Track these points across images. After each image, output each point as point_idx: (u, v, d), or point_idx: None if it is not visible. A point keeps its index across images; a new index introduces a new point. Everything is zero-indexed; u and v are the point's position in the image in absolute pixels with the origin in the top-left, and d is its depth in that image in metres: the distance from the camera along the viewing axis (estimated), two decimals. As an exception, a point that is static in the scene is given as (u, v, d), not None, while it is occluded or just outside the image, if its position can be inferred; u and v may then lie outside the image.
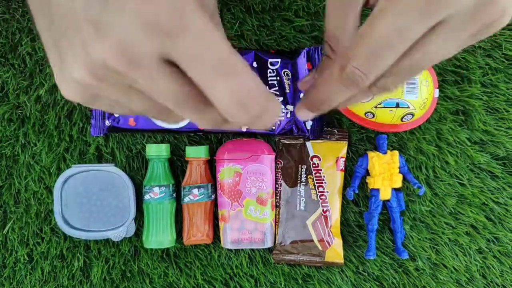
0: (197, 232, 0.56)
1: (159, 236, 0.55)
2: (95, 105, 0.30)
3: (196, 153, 0.55)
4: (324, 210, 0.57)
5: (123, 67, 0.25)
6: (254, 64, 0.56)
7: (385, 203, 0.56)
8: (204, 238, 0.56)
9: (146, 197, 0.55)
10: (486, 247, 0.57)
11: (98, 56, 0.25)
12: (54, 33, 0.27)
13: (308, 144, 0.57)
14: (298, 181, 0.57)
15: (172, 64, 0.26)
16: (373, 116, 0.53)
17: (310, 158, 0.57)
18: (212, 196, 0.57)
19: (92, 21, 0.25)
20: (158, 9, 0.24)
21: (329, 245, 0.57)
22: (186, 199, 0.55)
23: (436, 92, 0.53)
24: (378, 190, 0.56)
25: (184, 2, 0.24)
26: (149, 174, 0.56)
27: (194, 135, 0.58)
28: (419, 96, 0.52)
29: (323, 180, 0.57)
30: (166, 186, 0.55)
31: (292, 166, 0.57)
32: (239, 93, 0.26)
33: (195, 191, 0.55)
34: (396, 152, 0.56)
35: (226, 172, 0.55)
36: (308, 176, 0.57)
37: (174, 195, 0.56)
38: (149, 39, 0.24)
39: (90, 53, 0.25)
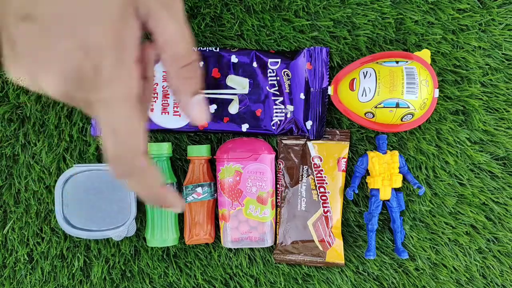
0: (200, 231, 0.57)
1: (163, 234, 0.56)
2: None
3: (198, 152, 0.56)
4: (325, 210, 0.57)
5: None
6: (254, 64, 0.57)
7: (385, 203, 0.57)
8: (207, 237, 0.57)
9: (149, 196, 0.55)
10: (486, 247, 0.58)
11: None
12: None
13: (310, 144, 0.58)
14: (299, 181, 0.58)
15: None
16: (373, 116, 0.54)
17: (311, 158, 0.58)
18: (215, 194, 0.57)
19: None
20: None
21: (330, 245, 0.57)
22: (189, 198, 0.56)
23: (436, 92, 0.54)
24: (378, 190, 0.56)
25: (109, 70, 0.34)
26: (151, 173, 0.56)
27: (195, 135, 0.59)
28: (419, 96, 0.52)
29: (324, 180, 0.58)
30: (170, 184, 0.56)
31: (294, 167, 0.58)
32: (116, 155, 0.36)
33: (199, 189, 0.56)
34: (396, 152, 0.56)
35: (227, 171, 0.56)
36: (309, 177, 0.58)
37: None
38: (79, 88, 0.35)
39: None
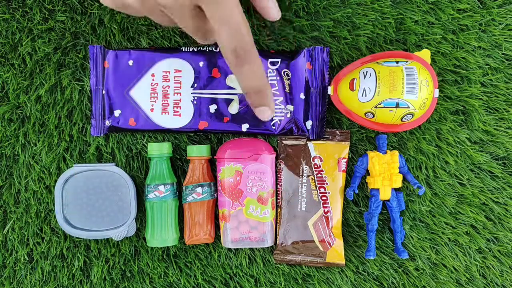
0: (200, 231, 0.57)
1: (163, 235, 0.56)
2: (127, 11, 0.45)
3: (198, 152, 0.57)
4: (326, 211, 0.58)
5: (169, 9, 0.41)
6: (254, 64, 0.57)
7: (385, 203, 0.58)
8: (207, 237, 0.57)
9: (151, 195, 0.56)
10: (486, 247, 0.59)
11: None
12: None
13: (310, 144, 0.58)
14: (300, 182, 0.58)
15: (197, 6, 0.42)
16: (373, 116, 0.54)
17: (311, 158, 0.58)
18: (215, 194, 0.58)
19: None
20: None
21: (330, 246, 0.58)
22: (189, 198, 0.56)
23: (436, 92, 0.55)
24: (378, 190, 0.57)
25: None
26: (153, 172, 0.57)
27: (194, 135, 0.59)
28: (419, 96, 0.53)
29: (325, 181, 0.58)
30: (171, 184, 0.56)
31: (294, 167, 0.59)
32: (235, 44, 0.41)
33: (199, 189, 0.56)
34: (396, 152, 0.57)
35: (227, 171, 0.56)
36: (310, 177, 0.58)
37: (177, 193, 0.58)
38: None
39: None
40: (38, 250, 0.59)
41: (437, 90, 0.55)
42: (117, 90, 0.58)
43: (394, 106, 0.53)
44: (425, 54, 0.56)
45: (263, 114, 0.47)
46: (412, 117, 0.54)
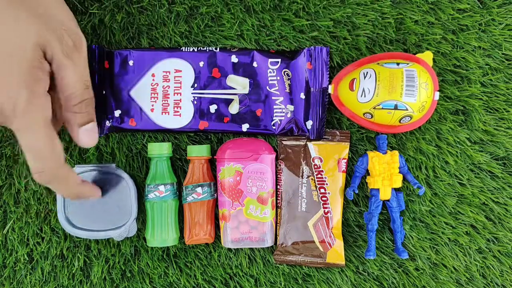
0: (200, 231, 0.58)
1: (164, 235, 0.57)
2: None
3: (198, 152, 0.58)
4: (326, 211, 0.59)
5: None
6: (254, 64, 0.58)
7: (385, 203, 0.59)
8: (207, 237, 0.58)
9: (151, 195, 0.57)
10: (486, 247, 0.60)
11: None
12: None
13: (310, 145, 0.59)
14: (300, 182, 0.59)
15: None
16: (372, 116, 0.55)
17: (311, 159, 0.59)
18: (215, 194, 0.59)
19: None
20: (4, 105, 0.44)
21: (330, 246, 0.59)
22: (189, 198, 0.57)
23: (437, 95, 0.56)
24: (378, 190, 0.58)
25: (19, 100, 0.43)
26: (153, 172, 0.58)
27: (195, 135, 0.60)
28: (418, 99, 0.54)
29: (325, 181, 0.59)
30: (171, 184, 0.57)
31: (294, 167, 0.59)
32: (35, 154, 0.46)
33: (199, 189, 0.57)
34: (396, 152, 0.58)
35: (227, 171, 0.57)
36: (310, 178, 0.59)
37: (177, 193, 0.59)
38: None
39: None
40: (38, 250, 0.60)
41: (437, 93, 0.56)
42: (117, 90, 0.59)
43: (393, 108, 0.54)
44: (427, 56, 0.56)
45: None
46: (411, 119, 0.55)
